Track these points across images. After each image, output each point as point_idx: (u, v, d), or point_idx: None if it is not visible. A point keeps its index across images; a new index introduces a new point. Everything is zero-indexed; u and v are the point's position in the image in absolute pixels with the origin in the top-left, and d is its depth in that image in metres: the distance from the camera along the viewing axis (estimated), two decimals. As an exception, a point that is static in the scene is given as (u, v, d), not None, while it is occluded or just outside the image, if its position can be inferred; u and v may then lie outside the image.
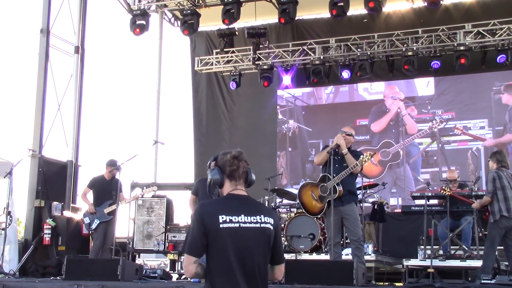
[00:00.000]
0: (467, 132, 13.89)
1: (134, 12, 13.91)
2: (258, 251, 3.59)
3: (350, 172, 8.00)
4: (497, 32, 12.99)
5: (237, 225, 3.56)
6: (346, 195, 8.03)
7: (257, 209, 3.69)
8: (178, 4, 14.31)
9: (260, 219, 3.62)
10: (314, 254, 10.15)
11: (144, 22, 13.74)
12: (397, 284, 9.45)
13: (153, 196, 12.57)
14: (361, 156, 7.96)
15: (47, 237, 11.75)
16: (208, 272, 3.58)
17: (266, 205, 11.85)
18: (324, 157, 8.13)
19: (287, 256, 9.63)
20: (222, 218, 3.55)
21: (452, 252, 10.10)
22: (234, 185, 3.74)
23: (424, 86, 14.51)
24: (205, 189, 9.81)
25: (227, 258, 3.52)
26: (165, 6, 14.88)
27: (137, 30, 13.66)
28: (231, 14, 12.97)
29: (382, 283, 9.85)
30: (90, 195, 10.70)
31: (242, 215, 3.59)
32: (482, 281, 8.04)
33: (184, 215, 13.48)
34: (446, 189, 9.41)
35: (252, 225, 3.60)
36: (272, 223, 3.66)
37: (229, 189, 3.73)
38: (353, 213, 8.06)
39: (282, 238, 10.66)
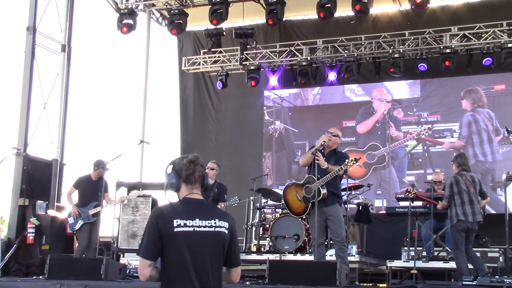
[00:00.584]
0: (427, 137, 13.98)
1: (122, 11, 13.86)
2: (212, 255, 3.66)
3: (335, 175, 8.01)
4: (482, 35, 13.07)
5: (191, 229, 3.63)
6: (330, 196, 8.04)
7: (212, 213, 3.76)
8: (166, 4, 14.30)
9: (215, 223, 3.70)
10: (298, 254, 10.16)
11: (131, 21, 13.70)
12: (380, 285, 9.50)
13: (138, 196, 12.52)
14: (346, 160, 7.96)
15: (30, 236, 11.66)
16: (162, 275, 3.65)
17: (252, 205, 11.89)
18: (309, 158, 8.14)
19: (271, 257, 9.64)
20: (177, 222, 3.62)
21: (436, 253, 10.16)
22: (190, 189, 3.81)
23: (410, 88, 14.54)
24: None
25: (181, 261, 3.59)
26: (153, 5, 14.85)
27: (125, 29, 13.61)
28: (219, 14, 12.96)
29: (365, 284, 9.89)
30: (76, 195, 10.65)
31: (197, 219, 3.66)
32: (464, 283, 8.13)
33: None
34: (411, 190, 9.60)
35: (207, 229, 3.67)
36: (227, 227, 3.73)
37: (185, 193, 3.79)
38: (336, 214, 8.07)
39: (267, 239, 10.73)
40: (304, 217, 9.66)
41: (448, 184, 8.67)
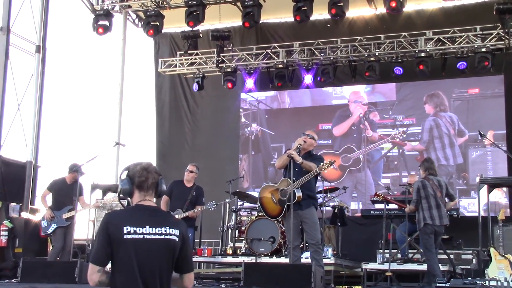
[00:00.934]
0: (394, 140, 14.10)
1: (97, 12, 13.79)
2: (162, 262, 3.68)
3: (310, 178, 8.03)
4: (457, 39, 13.22)
5: (141, 236, 3.65)
6: (305, 199, 8.03)
7: (163, 220, 3.77)
8: (142, 5, 14.24)
9: (165, 230, 3.71)
10: (274, 257, 10.16)
11: (107, 23, 13.65)
12: (355, 287, 9.51)
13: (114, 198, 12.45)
14: (321, 163, 7.97)
15: (3, 239, 11.53)
16: (111, 281, 3.66)
17: (228, 208, 11.87)
18: (284, 160, 8.15)
19: (247, 259, 9.64)
20: (127, 229, 3.64)
21: (410, 255, 10.23)
22: (143, 195, 3.83)
23: (386, 91, 14.64)
24: (179, 191, 9.80)
25: (130, 268, 3.60)
26: (129, 6, 14.79)
27: (100, 30, 13.56)
28: (195, 16, 12.96)
29: (341, 286, 9.93)
30: (50, 198, 10.54)
31: (147, 227, 3.68)
32: (437, 285, 8.19)
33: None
34: (379, 194, 9.85)
35: (157, 236, 3.69)
36: (178, 234, 3.76)
37: (138, 199, 3.82)
38: (312, 217, 8.08)
39: (243, 241, 10.72)
40: (279, 219, 9.67)
41: (415, 188, 8.85)
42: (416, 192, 8.80)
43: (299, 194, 7.97)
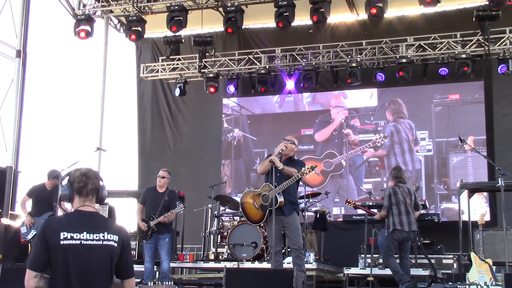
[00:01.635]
0: (376, 145, 14.21)
1: (79, 17, 13.73)
2: (99, 269, 3.69)
3: (292, 183, 8.04)
4: (437, 46, 13.33)
5: (78, 242, 3.66)
6: (287, 204, 8.04)
7: (102, 226, 3.77)
8: (124, 10, 14.21)
9: (103, 236, 3.72)
10: (256, 262, 10.15)
11: (88, 27, 13.60)
12: (337, 292, 9.55)
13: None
14: (303, 168, 7.98)
15: (-17, 245, 11.43)
16: (49, 287, 3.65)
17: (210, 213, 11.83)
18: (266, 166, 8.14)
19: (229, 265, 9.62)
20: (64, 235, 3.64)
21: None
22: (82, 201, 3.83)
23: (368, 97, 14.71)
24: (152, 197, 9.78)
25: (66, 274, 3.60)
26: (111, 11, 14.75)
27: (82, 35, 13.49)
28: (178, 22, 12.95)
29: (323, 292, 9.93)
30: (30, 204, 10.45)
31: (85, 232, 3.68)
32: (419, 289, 8.24)
33: (127, 222, 13.31)
34: (350, 201, 10.02)
35: (94, 242, 3.69)
36: (117, 240, 3.76)
37: (77, 205, 3.83)
38: (293, 222, 8.08)
39: (225, 246, 10.70)
40: (261, 225, 9.69)
41: (386, 195, 8.99)
42: (388, 198, 8.92)
43: (280, 199, 7.97)
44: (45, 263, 3.64)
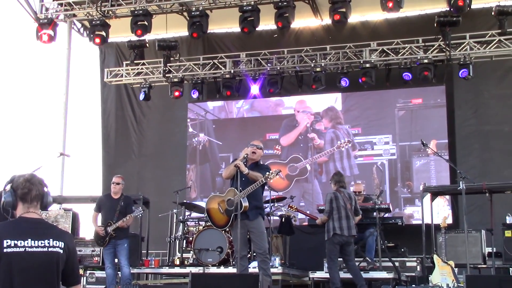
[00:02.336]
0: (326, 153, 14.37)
1: (41, 21, 13.57)
2: (45, 276, 3.62)
3: (257, 187, 8.07)
4: (400, 51, 13.51)
5: (22, 249, 3.58)
6: (252, 209, 8.07)
7: (47, 233, 3.70)
8: (87, 14, 14.07)
9: (48, 243, 3.65)
10: (222, 267, 10.14)
11: (51, 32, 13.44)
12: (302, 296, 9.59)
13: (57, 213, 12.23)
14: (267, 172, 8.02)
15: None
16: None
17: (175, 218, 11.78)
18: (231, 171, 8.16)
19: (194, 270, 9.59)
20: (7, 242, 3.57)
21: (356, 264, 10.33)
22: (26, 208, 3.75)
23: (332, 101, 14.81)
24: (108, 204, 9.71)
25: (10, 282, 3.53)
26: (74, 15, 14.58)
27: (44, 39, 13.34)
28: (143, 26, 12.88)
29: (288, 296, 9.96)
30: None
31: (29, 240, 3.61)
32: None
33: (90, 229, 13.18)
34: (292, 206, 10.34)
35: (39, 249, 3.62)
36: (62, 246, 3.70)
37: (21, 211, 3.75)
38: (259, 226, 8.12)
39: (191, 251, 10.67)
40: (227, 229, 9.70)
41: (328, 199, 9.10)
42: (329, 203, 9.02)
43: (245, 203, 8.00)
44: None
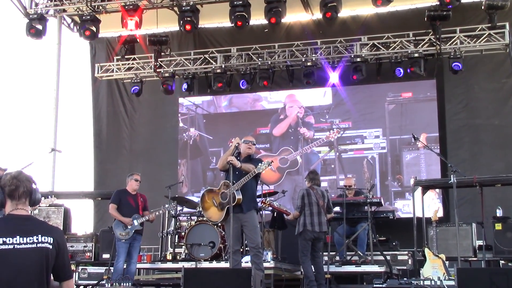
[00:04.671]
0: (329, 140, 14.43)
1: (31, 16, 13.53)
2: (35, 272, 3.63)
3: (249, 178, 8.12)
4: (391, 45, 13.54)
5: (11, 246, 3.59)
6: (246, 202, 8.14)
7: (35, 229, 3.71)
8: (78, 10, 14.03)
9: (37, 239, 3.66)
10: (214, 262, 10.16)
11: (41, 27, 13.40)
12: (295, 290, 9.62)
13: (50, 205, 12.18)
14: (259, 163, 8.08)
15: None
16: None
17: (167, 213, 11.76)
18: (225, 163, 8.20)
19: (187, 265, 9.61)
20: None
21: (348, 258, 10.40)
22: (15, 205, 3.76)
23: (321, 95, 14.82)
24: (129, 199, 9.87)
25: (0, 280, 3.54)
26: (64, 11, 14.55)
27: (34, 34, 13.28)
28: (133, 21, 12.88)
29: (280, 290, 9.99)
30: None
31: (18, 236, 3.62)
32: (374, 285, 8.40)
33: (82, 224, 13.19)
34: (266, 201, 10.53)
35: (28, 246, 3.63)
36: (51, 242, 3.70)
37: (9, 209, 3.76)
38: (252, 220, 8.18)
39: (183, 246, 10.68)
40: (219, 224, 9.77)
41: (300, 195, 9.24)
42: (301, 199, 9.14)
43: (239, 196, 8.08)
44: None
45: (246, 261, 9.19)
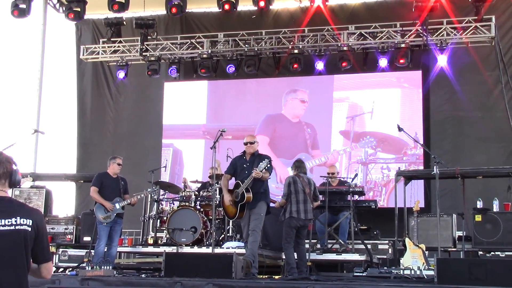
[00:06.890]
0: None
1: (15, -5, 13.36)
2: (14, 254, 3.59)
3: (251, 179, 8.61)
4: (378, 34, 13.53)
5: None
6: (255, 197, 8.69)
7: (14, 211, 3.65)
8: (63, -11, 13.90)
9: (16, 221, 3.61)
10: (195, 247, 10.16)
11: (25, 6, 13.24)
12: (276, 277, 9.64)
13: (31, 187, 12.12)
14: (260, 163, 8.62)
15: None
16: None
17: (150, 198, 11.73)
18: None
19: (168, 249, 9.60)
20: None
21: (329, 246, 10.45)
22: None
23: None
24: (110, 183, 9.94)
25: None
26: (50, -10, 14.40)
27: (17, 13, 13.14)
28: (120, 3, 12.77)
29: (261, 276, 10.01)
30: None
31: None
32: (355, 274, 8.49)
33: (64, 206, 13.14)
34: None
35: (6, 228, 3.58)
36: (30, 224, 3.65)
37: None
38: (257, 209, 8.75)
39: (164, 231, 10.67)
40: (202, 210, 10.12)
41: (286, 183, 9.27)
42: (287, 187, 9.17)
43: (248, 194, 8.64)
44: None
45: (227, 247, 9.27)
